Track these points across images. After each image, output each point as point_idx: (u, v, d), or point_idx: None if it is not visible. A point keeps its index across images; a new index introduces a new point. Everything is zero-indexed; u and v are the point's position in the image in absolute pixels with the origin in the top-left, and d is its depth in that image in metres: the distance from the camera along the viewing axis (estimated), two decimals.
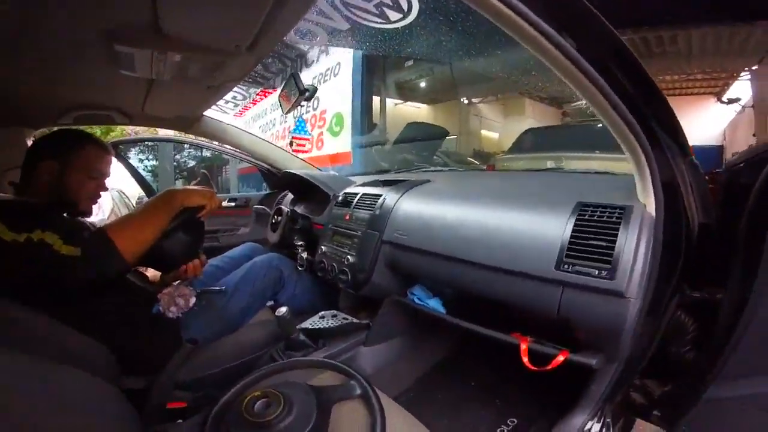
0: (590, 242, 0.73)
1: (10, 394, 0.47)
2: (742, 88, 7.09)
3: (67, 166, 1.00)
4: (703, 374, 0.75)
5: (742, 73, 6.75)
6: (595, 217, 0.76)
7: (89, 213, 1.08)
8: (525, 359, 0.86)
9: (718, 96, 8.27)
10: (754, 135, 5.76)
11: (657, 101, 0.69)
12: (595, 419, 0.85)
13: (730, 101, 7.41)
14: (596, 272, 0.70)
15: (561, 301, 0.76)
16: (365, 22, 4.02)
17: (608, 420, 0.87)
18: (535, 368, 0.84)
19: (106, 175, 1.09)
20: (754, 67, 6.05)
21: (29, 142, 1.34)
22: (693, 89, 8.44)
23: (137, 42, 0.72)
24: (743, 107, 6.93)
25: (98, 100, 1.23)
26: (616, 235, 0.71)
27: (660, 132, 0.71)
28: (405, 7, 3.84)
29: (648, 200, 0.75)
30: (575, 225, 0.76)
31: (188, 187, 1.08)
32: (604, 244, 0.71)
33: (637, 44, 5.41)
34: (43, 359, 0.60)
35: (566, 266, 0.74)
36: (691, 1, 4.07)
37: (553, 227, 0.79)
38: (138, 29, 0.70)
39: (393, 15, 3.95)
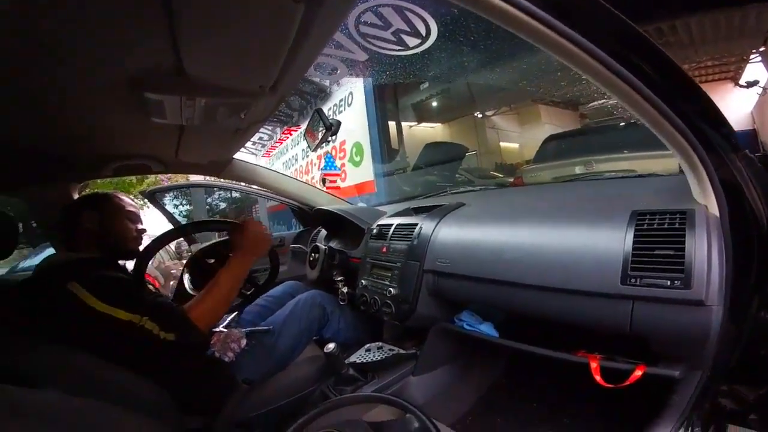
0: (656, 252, 0.70)
1: None
2: (756, 70, 6.89)
3: (106, 213, 1.11)
4: None
5: (752, 56, 6.57)
6: (655, 225, 0.73)
7: (137, 253, 1.17)
8: (597, 377, 0.81)
9: (735, 80, 8.04)
10: None
11: (694, 93, 0.66)
12: (682, 429, 0.79)
13: (749, 84, 7.16)
14: (668, 282, 0.67)
15: (633, 316, 0.72)
16: (384, 51, 4.01)
17: (696, 429, 0.80)
18: (611, 386, 0.79)
19: (139, 216, 1.19)
20: (761, 49, 5.90)
21: (75, 197, 1.38)
22: (708, 76, 8.24)
23: (165, 88, 0.75)
24: (764, 89, 6.69)
25: (134, 150, 1.27)
26: (683, 242, 0.68)
27: (705, 127, 0.67)
28: (423, 31, 3.80)
29: (708, 201, 0.72)
30: (635, 235, 0.73)
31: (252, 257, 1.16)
32: (672, 252, 0.68)
33: None
34: (104, 403, 0.62)
35: (633, 280, 0.70)
36: None
37: (610, 240, 0.76)
38: (164, 76, 0.71)
39: (411, 41, 3.93)
